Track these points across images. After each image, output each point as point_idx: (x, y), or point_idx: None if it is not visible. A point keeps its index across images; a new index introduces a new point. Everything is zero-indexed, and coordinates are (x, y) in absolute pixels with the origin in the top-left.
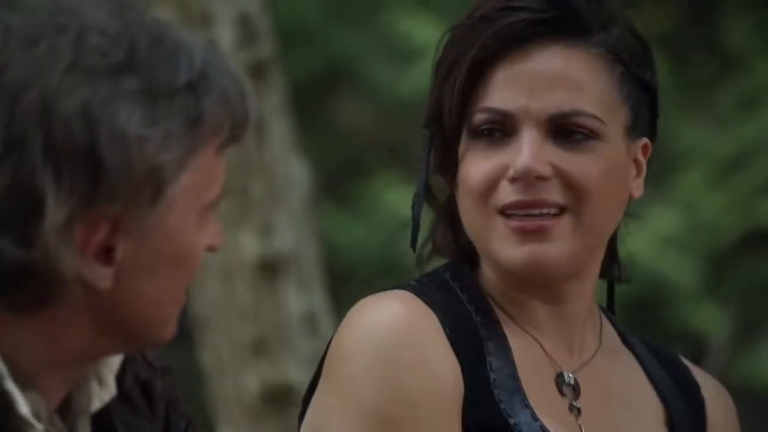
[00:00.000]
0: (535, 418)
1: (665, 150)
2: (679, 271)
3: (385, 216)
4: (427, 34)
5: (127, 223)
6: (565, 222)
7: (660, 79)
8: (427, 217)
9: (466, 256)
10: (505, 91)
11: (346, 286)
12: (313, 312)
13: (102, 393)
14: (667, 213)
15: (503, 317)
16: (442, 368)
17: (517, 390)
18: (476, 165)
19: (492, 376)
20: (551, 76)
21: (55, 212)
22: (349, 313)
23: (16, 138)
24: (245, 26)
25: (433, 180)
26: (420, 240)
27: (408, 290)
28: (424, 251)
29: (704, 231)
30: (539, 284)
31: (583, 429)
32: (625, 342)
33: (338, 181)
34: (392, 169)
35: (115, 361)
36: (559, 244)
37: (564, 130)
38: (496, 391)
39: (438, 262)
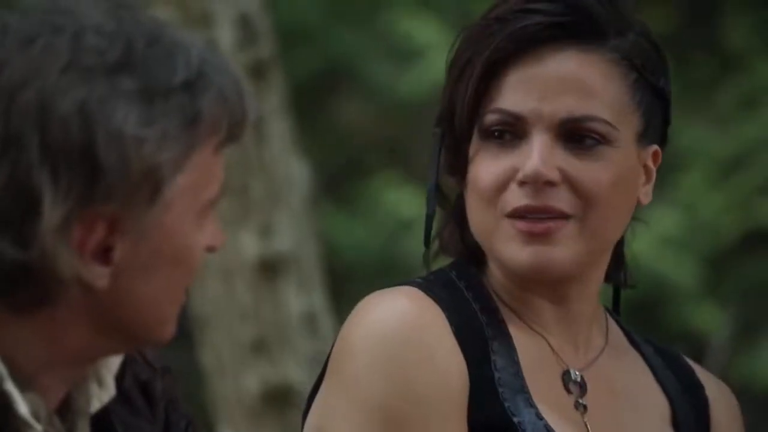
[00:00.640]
0: (540, 417)
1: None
2: (679, 271)
3: (385, 216)
4: (427, 34)
5: (125, 222)
6: (571, 227)
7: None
8: (435, 215)
9: (472, 255)
10: (517, 93)
11: (346, 286)
12: (313, 312)
13: (101, 393)
14: (668, 213)
15: (509, 316)
16: (448, 364)
17: (522, 389)
18: (486, 167)
19: (496, 375)
20: (564, 80)
21: (52, 212)
22: (355, 310)
23: (12, 137)
24: (245, 26)
25: (443, 179)
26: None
27: (414, 286)
28: (431, 250)
29: (704, 231)
30: (544, 284)
31: (588, 426)
32: (631, 341)
33: (338, 181)
34: (392, 169)
35: (114, 362)
36: (564, 248)
37: (575, 135)
38: (500, 390)
39: (444, 262)
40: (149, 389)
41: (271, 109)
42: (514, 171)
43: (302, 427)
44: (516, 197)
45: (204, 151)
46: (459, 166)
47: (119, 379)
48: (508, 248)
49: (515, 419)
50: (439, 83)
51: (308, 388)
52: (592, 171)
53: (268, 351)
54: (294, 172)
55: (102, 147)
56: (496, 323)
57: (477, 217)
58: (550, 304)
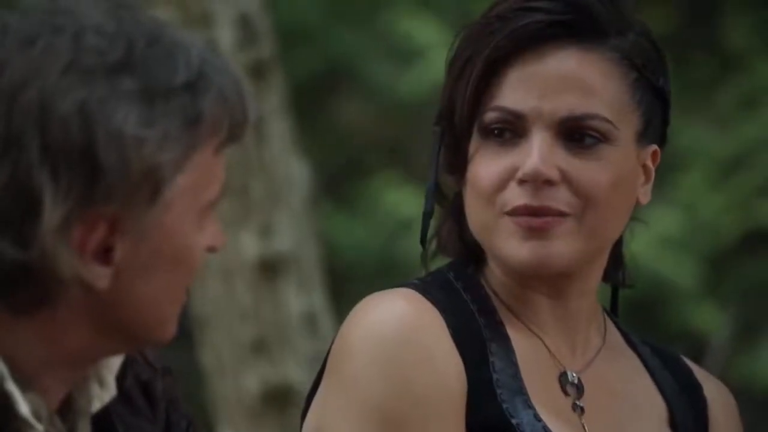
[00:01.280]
0: (538, 419)
1: (665, 150)
2: (679, 272)
3: (385, 216)
4: (427, 34)
5: (125, 222)
6: (569, 223)
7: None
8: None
9: (471, 254)
10: (518, 91)
11: (346, 286)
12: (313, 312)
13: (102, 393)
14: (667, 213)
15: (507, 317)
16: (446, 366)
17: (520, 390)
18: (485, 166)
19: (495, 376)
20: (565, 79)
21: (52, 212)
22: (353, 311)
23: (13, 138)
24: (245, 26)
25: (441, 177)
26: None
27: (412, 288)
28: (429, 249)
29: (704, 231)
30: (542, 281)
31: (586, 428)
32: (629, 342)
33: (338, 181)
34: (392, 169)
35: (115, 362)
36: (563, 244)
37: (575, 133)
38: (498, 392)
39: (442, 261)
40: (150, 389)
41: (271, 109)
42: (514, 170)
43: (301, 428)
44: (515, 196)
45: (204, 151)
46: (458, 164)
47: (120, 379)
48: (508, 245)
49: (513, 421)
50: (439, 83)
51: (308, 388)
52: (591, 171)
53: (268, 351)
54: (294, 172)
55: (102, 147)
56: (494, 325)
57: (476, 214)
58: (548, 301)
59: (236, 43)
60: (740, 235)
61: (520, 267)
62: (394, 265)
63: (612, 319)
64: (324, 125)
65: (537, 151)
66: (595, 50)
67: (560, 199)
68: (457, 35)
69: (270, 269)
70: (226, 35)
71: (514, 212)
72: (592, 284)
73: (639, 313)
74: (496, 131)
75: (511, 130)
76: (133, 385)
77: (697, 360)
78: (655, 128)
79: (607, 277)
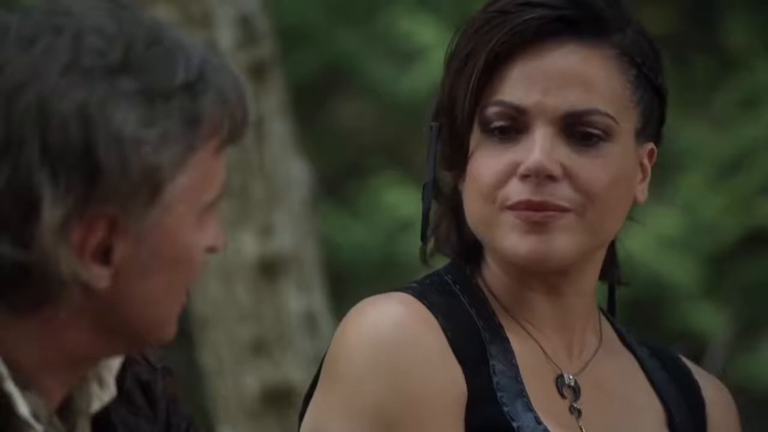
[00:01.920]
0: (539, 422)
1: (665, 150)
2: (679, 272)
3: (385, 216)
4: (426, 34)
5: (125, 223)
6: (570, 218)
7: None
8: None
9: (470, 251)
10: (519, 86)
11: (346, 286)
12: (313, 312)
13: (102, 393)
14: (667, 213)
15: (505, 320)
16: (442, 368)
17: (521, 393)
18: (487, 162)
19: (495, 379)
20: (567, 74)
21: (51, 213)
22: (349, 314)
23: (12, 139)
24: (245, 26)
25: (438, 173)
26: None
27: (408, 293)
28: (428, 247)
29: (704, 231)
30: (541, 276)
31: (584, 430)
32: (625, 343)
33: (338, 182)
34: (392, 170)
35: (115, 362)
36: (563, 238)
37: (577, 129)
38: (499, 395)
39: (441, 260)
40: (150, 389)
41: (271, 110)
42: (515, 165)
43: (299, 430)
44: (517, 191)
45: (204, 152)
46: (458, 159)
47: (120, 379)
48: (509, 239)
49: (514, 424)
50: (439, 83)
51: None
52: (593, 167)
53: (268, 351)
54: (294, 172)
55: (101, 148)
56: (493, 327)
57: (476, 210)
58: (546, 298)
59: (236, 43)
60: (740, 236)
61: (520, 261)
62: (394, 265)
63: (608, 320)
64: (324, 126)
65: (540, 146)
66: (596, 46)
67: (561, 194)
68: (457, 29)
69: (270, 269)
70: (226, 35)
71: (516, 207)
72: (588, 283)
73: (639, 313)
74: (497, 128)
75: (513, 125)
76: (133, 385)
77: (696, 360)
78: (652, 126)
79: (603, 275)
